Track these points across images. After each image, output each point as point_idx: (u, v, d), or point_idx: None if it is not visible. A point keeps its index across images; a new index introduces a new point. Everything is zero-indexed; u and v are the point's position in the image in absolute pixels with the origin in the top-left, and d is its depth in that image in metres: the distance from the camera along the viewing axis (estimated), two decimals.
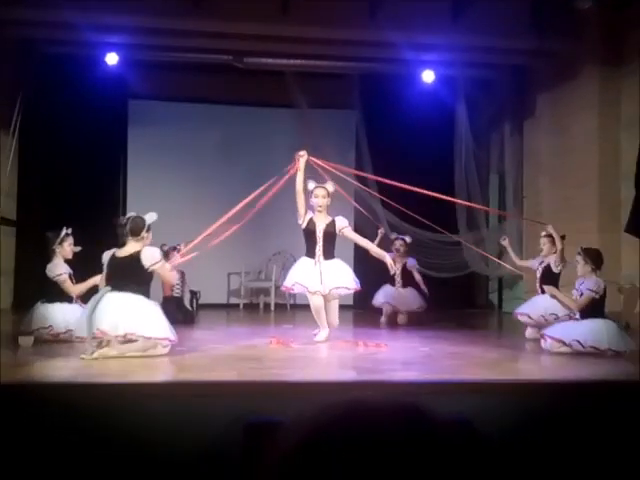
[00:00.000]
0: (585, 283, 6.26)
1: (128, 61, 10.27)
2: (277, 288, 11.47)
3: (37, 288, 7.26)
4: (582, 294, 6.24)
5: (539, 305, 7.35)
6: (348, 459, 0.72)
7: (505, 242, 8.21)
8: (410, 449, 0.73)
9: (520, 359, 5.91)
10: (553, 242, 7.49)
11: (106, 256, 5.89)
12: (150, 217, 5.91)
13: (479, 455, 0.77)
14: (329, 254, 6.89)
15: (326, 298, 6.77)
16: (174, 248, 8.28)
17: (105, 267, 5.85)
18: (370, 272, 8.48)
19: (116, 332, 5.43)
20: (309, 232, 6.92)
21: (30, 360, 5.42)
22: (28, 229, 10.21)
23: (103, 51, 9.96)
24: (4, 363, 4.72)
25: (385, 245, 8.39)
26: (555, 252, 7.45)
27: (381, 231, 8.70)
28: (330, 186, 6.98)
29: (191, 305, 9.68)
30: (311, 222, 6.92)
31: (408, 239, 8.94)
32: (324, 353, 6.41)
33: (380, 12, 8.99)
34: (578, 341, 5.97)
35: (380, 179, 8.20)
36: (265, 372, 5.07)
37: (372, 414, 0.78)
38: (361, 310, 10.01)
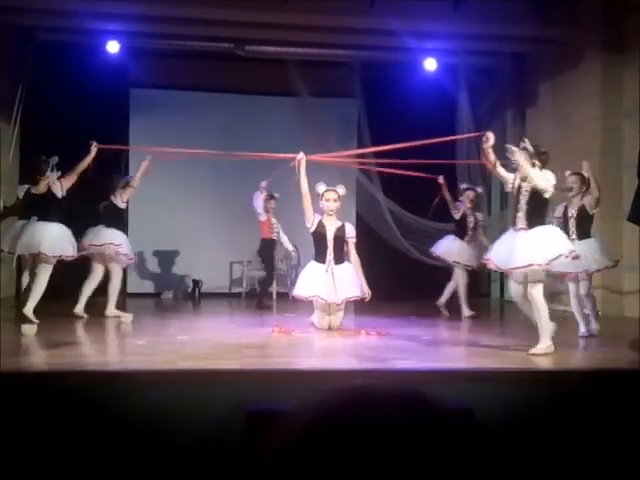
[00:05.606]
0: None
1: (129, 49, 10.25)
2: (279, 277, 11.49)
3: None
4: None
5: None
6: (351, 447, 0.73)
7: None
8: (412, 437, 0.74)
9: (522, 348, 5.89)
10: (583, 182, 6.66)
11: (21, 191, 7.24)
12: (53, 160, 7.18)
13: (480, 444, 0.78)
14: (339, 258, 6.86)
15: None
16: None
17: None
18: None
19: (53, 253, 6.66)
20: (319, 236, 6.83)
21: (32, 348, 5.44)
22: (30, 217, 10.19)
23: (104, 39, 9.93)
24: (7, 351, 4.73)
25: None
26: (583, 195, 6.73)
27: (440, 179, 8.30)
28: (341, 189, 6.89)
29: (194, 293, 9.70)
30: (321, 225, 6.81)
31: (480, 189, 8.45)
32: (326, 341, 6.43)
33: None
34: None
35: (386, 159, 8.21)
36: (267, 360, 5.09)
37: (375, 402, 0.78)
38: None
